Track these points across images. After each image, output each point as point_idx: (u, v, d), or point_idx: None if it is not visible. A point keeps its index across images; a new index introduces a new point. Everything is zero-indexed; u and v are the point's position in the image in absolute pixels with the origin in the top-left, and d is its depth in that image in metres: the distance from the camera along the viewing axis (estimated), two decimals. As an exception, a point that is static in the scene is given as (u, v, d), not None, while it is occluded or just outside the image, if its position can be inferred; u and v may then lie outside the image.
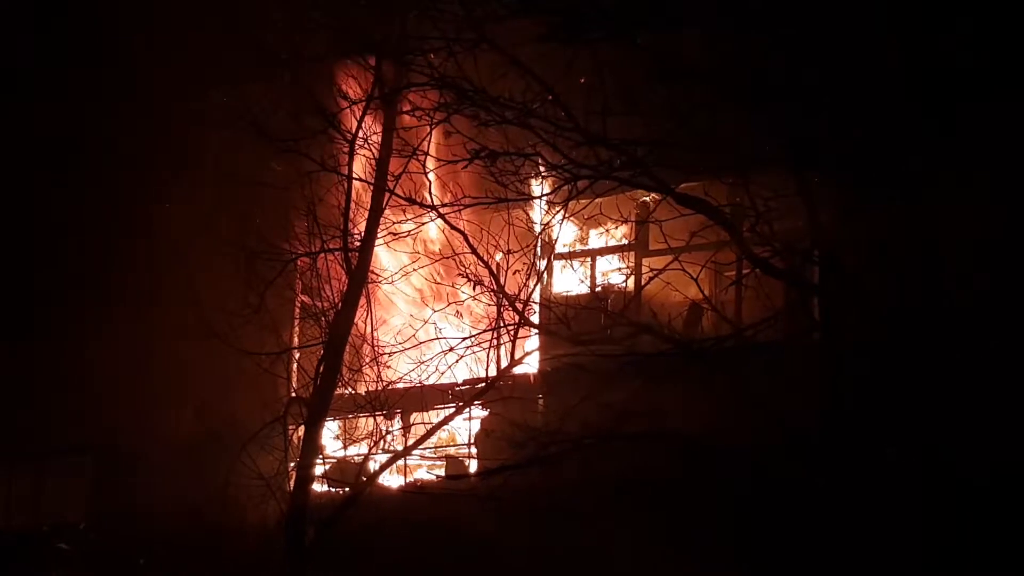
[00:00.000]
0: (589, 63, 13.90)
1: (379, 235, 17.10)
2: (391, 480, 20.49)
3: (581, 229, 19.66)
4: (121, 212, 23.60)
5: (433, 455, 20.89)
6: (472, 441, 21.09)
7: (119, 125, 23.29)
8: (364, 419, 18.81)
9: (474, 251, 15.93)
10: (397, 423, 19.53)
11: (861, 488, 13.59)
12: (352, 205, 17.52)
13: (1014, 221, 13.70)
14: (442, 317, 17.73)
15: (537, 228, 16.73)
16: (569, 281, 20.46)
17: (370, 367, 18.10)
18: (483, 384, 17.33)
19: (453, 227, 15.81)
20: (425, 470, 20.85)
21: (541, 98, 13.86)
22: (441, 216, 15.48)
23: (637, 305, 15.57)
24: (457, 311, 16.91)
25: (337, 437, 20.04)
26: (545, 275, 18.22)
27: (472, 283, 16.12)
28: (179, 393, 22.42)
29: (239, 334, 17.99)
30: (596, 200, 14.52)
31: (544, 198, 15.32)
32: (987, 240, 13.76)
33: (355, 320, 17.73)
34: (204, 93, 21.52)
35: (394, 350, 17.58)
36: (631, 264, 18.48)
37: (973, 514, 13.26)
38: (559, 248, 18.74)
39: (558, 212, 15.31)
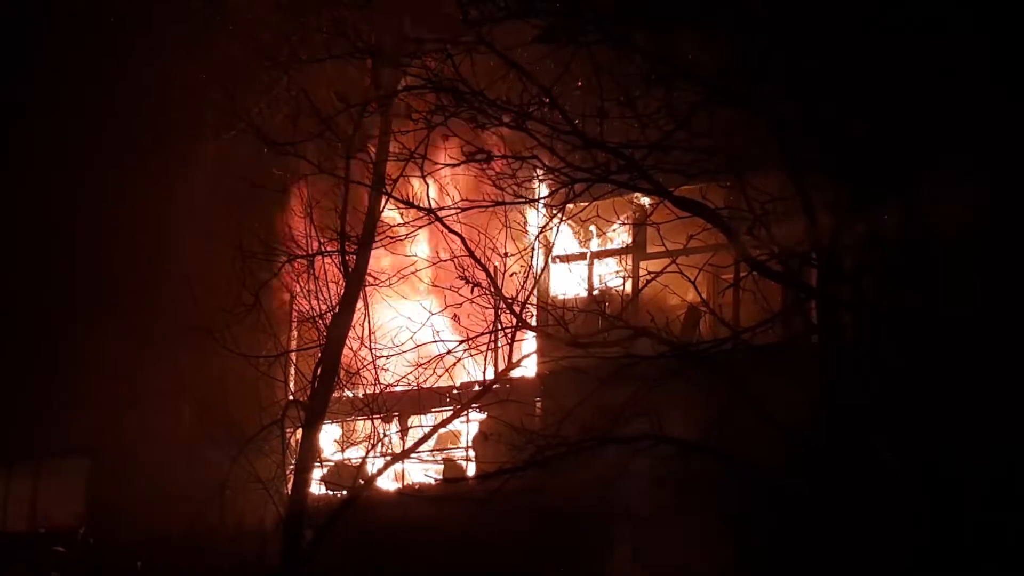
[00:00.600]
0: (586, 66, 13.88)
1: (376, 238, 17.10)
2: (389, 483, 20.49)
3: (578, 233, 19.66)
4: (118, 214, 23.59)
5: (432, 458, 20.89)
6: (470, 444, 21.09)
7: (117, 128, 23.29)
8: (362, 422, 18.80)
9: (471, 254, 15.92)
10: (395, 426, 19.53)
11: (859, 490, 13.58)
12: (349, 207, 17.53)
13: (1011, 222, 13.69)
14: (440, 320, 17.71)
15: (534, 231, 16.69)
16: (567, 284, 20.46)
17: (368, 370, 18.10)
18: (481, 387, 17.33)
19: (450, 230, 15.80)
20: (423, 473, 20.86)
21: (538, 101, 13.83)
22: (439, 219, 15.46)
23: (635, 308, 15.55)
24: (455, 314, 16.89)
25: (335, 440, 20.04)
26: (542, 278, 18.20)
27: (471, 286, 16.10)
28: (176, 396, 22.42)
29: (236, 337, 17.98)
30: (594, 203, 14.49)
31: (541, 201, 15.30)
32: (984, 241, 13.75)
33: (352, 323, 17.73)
34: (201, 96, 21.50)
35: (391, 353, 17.56)
36: (629, 267, 18.47)
37: (971, 516, 13.25)
38: (557, 251, 18.73)
39: (556, 216, 15.28)
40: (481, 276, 15.87)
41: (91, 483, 23.68)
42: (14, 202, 24.06)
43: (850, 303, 13.88)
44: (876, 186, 13.65)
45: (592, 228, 19.06)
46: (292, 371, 19.18)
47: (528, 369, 18.84)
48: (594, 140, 13.68)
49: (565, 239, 20.02)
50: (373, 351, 17.93)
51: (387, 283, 18.03)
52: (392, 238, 16.47)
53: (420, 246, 17.84)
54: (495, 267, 16.33)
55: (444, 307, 17.29)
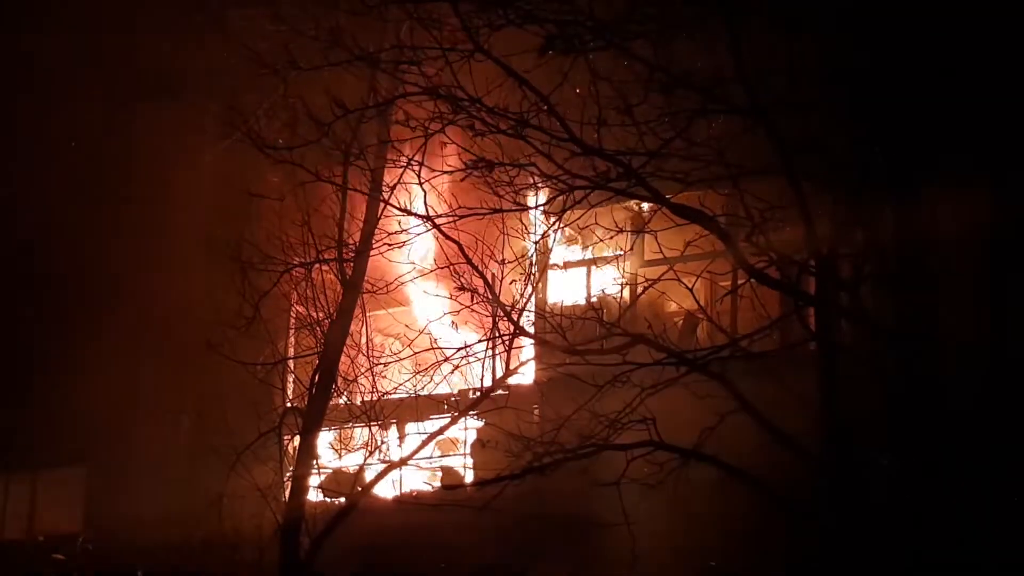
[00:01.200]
0: (584, 73, 13.89)
1: (374, 245, 17.10)
2: (386, 490, 20.48)
3: (576, 240, 19.66)
4: (116, 222, 23.60)
5: (429, 465, 20.88)
6: (467, 451, 21.09)
7: (114, 133, 23.31)
8: (359, 429, 18.80)
9: (469, 261, 15.92)
10: (392, 433, 19.52)
11: (857, 496, 13.59)
12: (347, 215, 17.53)
13: (1012, 227, 13.70)
14: (438, 327, 17.71)
15: (532, 238, 16.69)
16: (564, 291, 20.46)
17: (365, 377, 18.10)
18: (478, 394, 17.32)
19: (448, 237, 15.80)
20: (422, 480, 20.86)
21: (536, 108, 13.84)
22: (436, 227, 15.46)
23: (632, 315, 15.56)
24: (453, 322, 16.89)
25: (333, 447, 20.02)
26: (540, 285, 18.20)
27: (468, 293, 16.09)
28: (174, 404, 22.42)
29: (234, 345, 17.98)
30: (591, 210, 14.49)
31: (539, 208, 15.31)
32: (985, 247, 13.77)
33: (350, 330, 17.73)
34: (199, 103, 21.53)
35: (389, 360, 17.56)
36: (626, 274, 18.47)
37: (969, 522, 13.26)
38: (554, 258, 18.73)
39: (554, 223, 15.29)
40: (479, 283, 15.87)
41: (89, 491, 23.69)
42: (14, 211, 24.07)
43: (848, 310, 13.89)
44: (875, 193, 13.67)
45: (590, 235, 19.05)
46: (290, 378, 19.18)
47: (526, 376, 18.84)
48: (592, 147, 13.69)
49: (562, 247, 20.04)
50: (371, 358, 17.94)
51: (384, 290, 18.01)
52: (390, 245, 16.45)
53: (418, 252, 17.82)
54: (492, 274, 16.33)
55: (442, 314, 17.30)
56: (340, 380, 17.73)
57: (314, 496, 18.49)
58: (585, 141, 13.74)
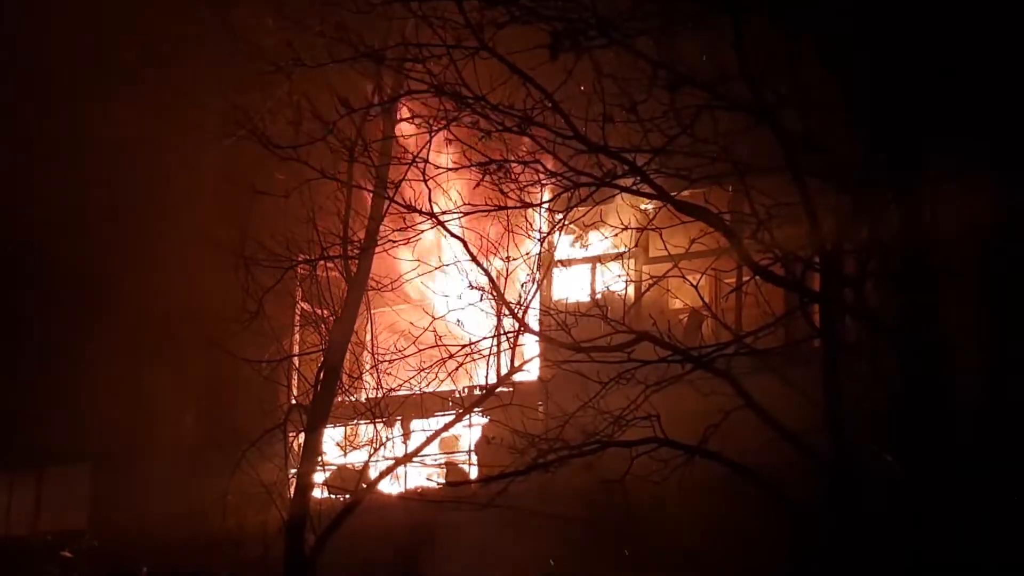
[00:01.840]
0: (589, 70, 13.90)
1: (379, 242, 17.11)
2: (391, 487, 20.50)
3: (580, 237, 19.68)
4: (120, 219, 23.63)
5: (434, 462, 20.90)
6: (472, 448, 21.12)
7: (118, 131, 23.33)
8: (364, 426, 18.81)
9: (474, 259, 15.93)
10: (397, 430, 19.53)
11: (858, 494, 13.60)
12: (352, 212, 17.55)
13: (1013, 227, 13.71)
14: (443, 324, 17.71)
15: (537, 235, 16.70)
16: (569, 288, 20.47)
17: (370, 374, 18.12)
18: (483, 391, 17.34)
19: (452, 234, 15.81)
20: (426, 477, 20.87)
21: (541, 106, 13.85)
22: (440, 224, 15.47)
23: (637, 312, 15.56)
24: (458, 319, 16.90)
25: (337, 444, 20.04)
26: (544, 282, 18.20)
27: (474, 290, 16.11)
28: (179, 401, 22.45)
29: (239, 342, 18.00)
30: (596, 207, 14.49)
31: (544, 206, 15.31)
32: (986, 247, 13.78)
33: (355, 327, 17.74)
34: (203, 101, 21.55)
35: (394, 357, 17.57)
36: (631, 271, 18.47)
37: (970, 522, 13.26)
38: (559, 255, 18.72)
39: (560, 220, 15.30)
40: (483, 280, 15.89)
41: (95, 488, 23.73)
42: (18, 208, 24.09)
43: (853, 307, 13.90)
44: (880, 190, 13.68)
45: (595, 232, 19.07)
46: (295, 375, 19.20)
47: (530, 373, 18.85)
48: (597, 145, 13.70)
49: (566, 244, 20.06)
50: (376, 355, 17.96)
51: (389, 287, 18.04)
52: (395, 242, 16.46)
53: (424, 250, 17.85)
54: (497, 271, 16.35)
55: (447, 311, 17.30)
56: (345, 377, 17.74)
57: (319, 493, 18.51)
58: (590, 138, 13.75)
